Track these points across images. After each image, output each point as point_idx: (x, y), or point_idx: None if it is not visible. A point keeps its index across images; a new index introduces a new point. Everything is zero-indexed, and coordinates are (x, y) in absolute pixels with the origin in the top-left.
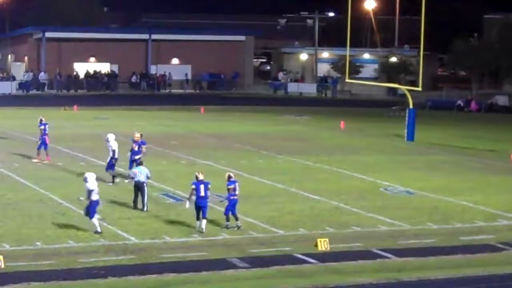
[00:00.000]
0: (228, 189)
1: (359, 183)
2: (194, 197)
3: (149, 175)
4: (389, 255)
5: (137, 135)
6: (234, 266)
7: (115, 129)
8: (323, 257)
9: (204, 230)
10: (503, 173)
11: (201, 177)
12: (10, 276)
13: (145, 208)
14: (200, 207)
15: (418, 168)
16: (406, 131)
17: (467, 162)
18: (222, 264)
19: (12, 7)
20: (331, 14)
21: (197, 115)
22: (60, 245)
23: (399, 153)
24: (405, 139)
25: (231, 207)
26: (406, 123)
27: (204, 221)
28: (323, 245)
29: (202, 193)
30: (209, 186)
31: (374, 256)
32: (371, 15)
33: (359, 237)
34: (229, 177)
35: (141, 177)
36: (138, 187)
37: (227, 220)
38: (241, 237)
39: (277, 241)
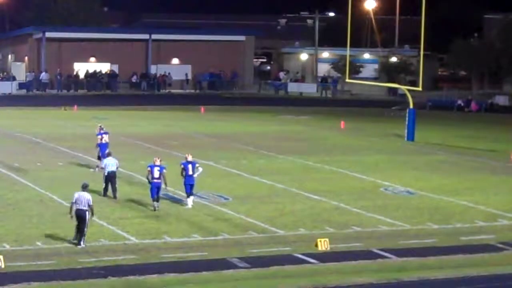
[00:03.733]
0: (148, 171)
1: (359, 183)
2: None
3: (117, 165)
4: (389, 255)
5: (101, 125)
6: (234, 266)
7: (115, 129)
8: (323, 257)
9: (189, 206)
10: (503, 173)
11: (189, 158)
12: (10, 276)
13: (116, 197)
14: (188, 184)
15: (418, 168)
16: (406, 131)
17: (467, 162)
18: (222, 264)
19: (12, 7)
20: (331, 14)
21: (197, 115)
22: (60, 245)
23: (399, 153)
24: (405, 139)
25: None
26: (406, 123)
27: (191, 197)
28: (323, 245)
29: (190, 172)
30: (197, 165)
31: (374, 256)
32: (371, 15)
33: (359, 237)
34: (154, 161)
35: (112, 168)
36: (110, 178)
37: (153, 200)
38: (241, 237)
39: (277, 241)
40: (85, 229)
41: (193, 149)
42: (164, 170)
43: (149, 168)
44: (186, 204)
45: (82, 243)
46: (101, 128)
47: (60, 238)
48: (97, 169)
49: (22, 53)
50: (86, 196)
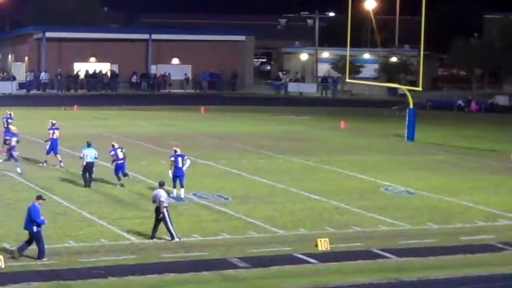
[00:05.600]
0: (112, 155)
1: (359, 183)
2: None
3: (96, 155)
4: (389, 255)
5: (53, 121)
6: (234, 266)
7: (115, 129)
8: (323, 257)
9: (182, 197)
10: (503, 173)
11: (179, 151)
12: (10, 276)
13: (90, 186)
14: (178, 176)
15: (418, 168)
16: (406, 131)
17: (467, 162)
18: (222, 264)
19: (12, 6)
20: (331, 14)
21: (197, 115)
22: (60, 245)
23: (399, 153)
24: (405, 139)
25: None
26: (406, 123)
27: (182, 190)
28: (323, 245)
29: (180, 164)
30: (185, 158)
31: (374, 256)
32: (371, 15)
33: (359, 237)
34: (113, 145)
35: (91, 158)
36: (88, 168)
37: (119, 179)
38: (241, 237)
39: (277, 241)
40: (169, 225)
41: (193, 149)
42: (124, 150)
43: (113, 152)
44: (176, 195)
45: (175, 237)
46: (53, 124)
47: (60, 238)
48: (45, 164)
49: (22, 53)
50: (161, 193)
